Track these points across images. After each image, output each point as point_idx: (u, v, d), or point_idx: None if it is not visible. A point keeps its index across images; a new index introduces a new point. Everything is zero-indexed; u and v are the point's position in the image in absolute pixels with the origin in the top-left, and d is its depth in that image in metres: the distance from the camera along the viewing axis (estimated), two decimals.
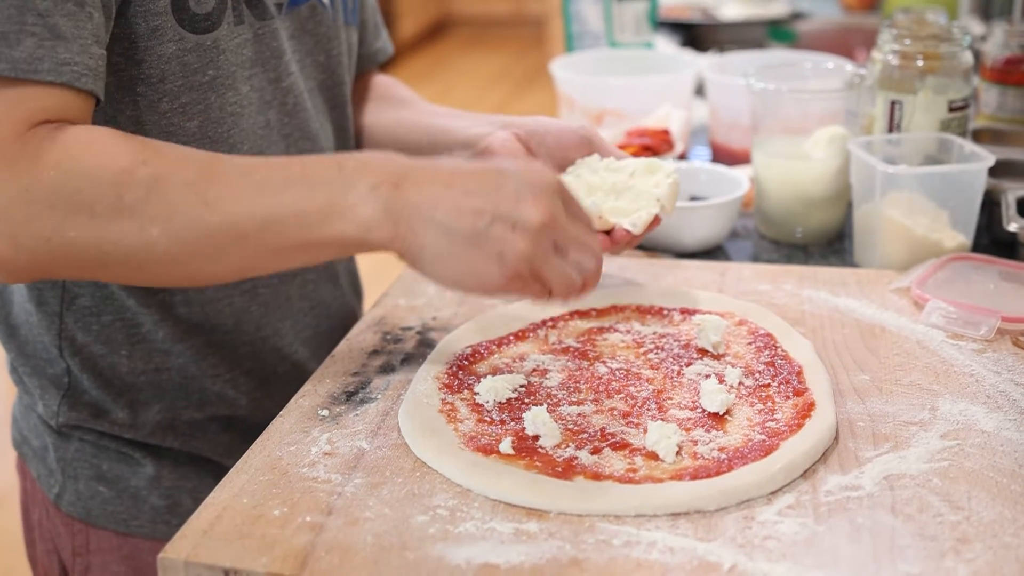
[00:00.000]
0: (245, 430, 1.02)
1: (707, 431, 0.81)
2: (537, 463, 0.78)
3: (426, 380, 0.89)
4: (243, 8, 0.94)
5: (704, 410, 0.84)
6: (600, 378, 0.89)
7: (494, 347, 0.95)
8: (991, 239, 1.22)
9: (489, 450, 0.79)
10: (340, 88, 1.10)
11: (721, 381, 0.87)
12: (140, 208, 0.74)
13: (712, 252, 1.24)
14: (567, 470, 0.77)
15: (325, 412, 0.86)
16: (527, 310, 1.00)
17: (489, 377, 0.88)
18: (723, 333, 0.94)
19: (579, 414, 0.84)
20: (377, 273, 1.68)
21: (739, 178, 1.27)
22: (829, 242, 1.27)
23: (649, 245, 1.24)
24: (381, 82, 1.23)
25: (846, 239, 1.27)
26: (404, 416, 0.84)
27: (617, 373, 0.90)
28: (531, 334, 0.97)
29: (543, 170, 0.80)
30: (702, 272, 1.11)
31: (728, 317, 0.98)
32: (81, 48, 0.77)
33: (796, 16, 2.36)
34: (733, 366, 0.90)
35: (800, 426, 0.80)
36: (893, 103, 1.26)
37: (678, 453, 0.78)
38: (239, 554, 0.70)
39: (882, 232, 1.12)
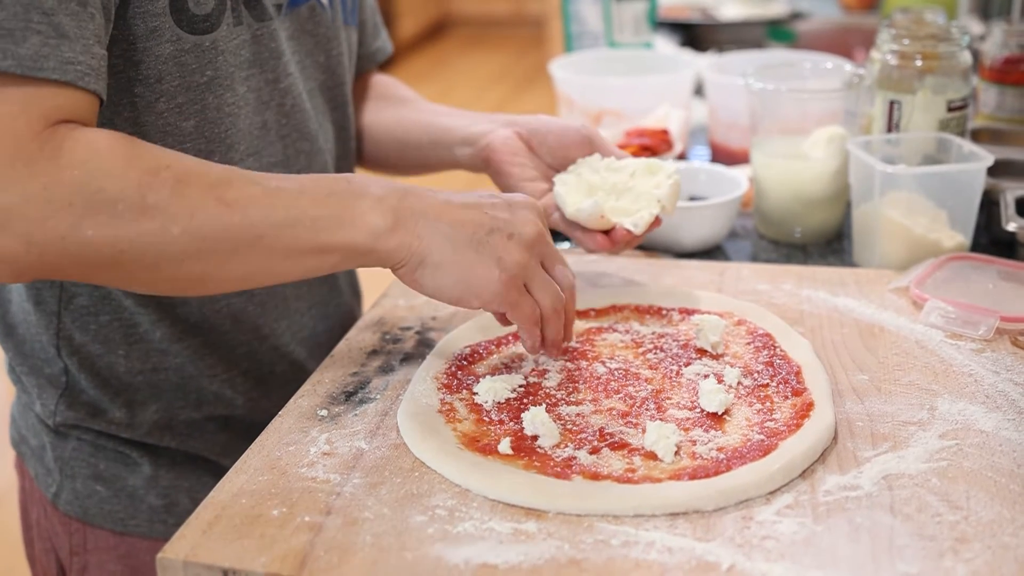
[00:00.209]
0: (242, 430, 1.02)
1: (706, 431, 0.81)
2: (536, 463, 0.78)
3: (425, 380, 0.89)
4: (242, 9, 0.94)
5: (703, 410, 0.84)
6: (599, 378, 0.89)
7: (493, 347, 0.95)
8: (990, 239, 1.22)
9: (488, 450, 0.79)
10: (341, 88, 1.10)
11: (720, 381, 0.87)
12: (163, 207, 0.75)
13: (711, 252, 1.24)
14: (565, 470, 0.77)
15: (324, 412, 0.86)
16: None
17: (488, 377, 0.88)
18: (722, 333, 0.94)
19: (578, 414, 0.84)
20: (376, 273, 1.68)
21: (738, 178, 1.27)
22: (828, 242, 1.27)
23: (648, 245, 1.24)
24: (381, 81, 1.23)
25: (845, 239, 1.27)
26: (403, 416, 0.84)
27: (616, 373, 0.90)
28: None
29: (525, 198, 0.88)
30: (701, 272, 1.11)
31: (727, 317, 0.98)
32: (84, 48, 0.78)
33: (795, 16, 2.36)
34: (732, 366, 0.90)
35: (799, 426, 0.80)
36: (892, 103, 1.26)
37: (677, 453, 0.78)
38: (238, 554, 0.70)
39: (881, 232, 1.12)
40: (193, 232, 0.76)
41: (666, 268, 1.13)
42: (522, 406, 0.85)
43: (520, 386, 0.88)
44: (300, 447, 0.82)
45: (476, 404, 0.86)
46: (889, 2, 2.13)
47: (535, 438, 0.81)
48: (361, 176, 0.83)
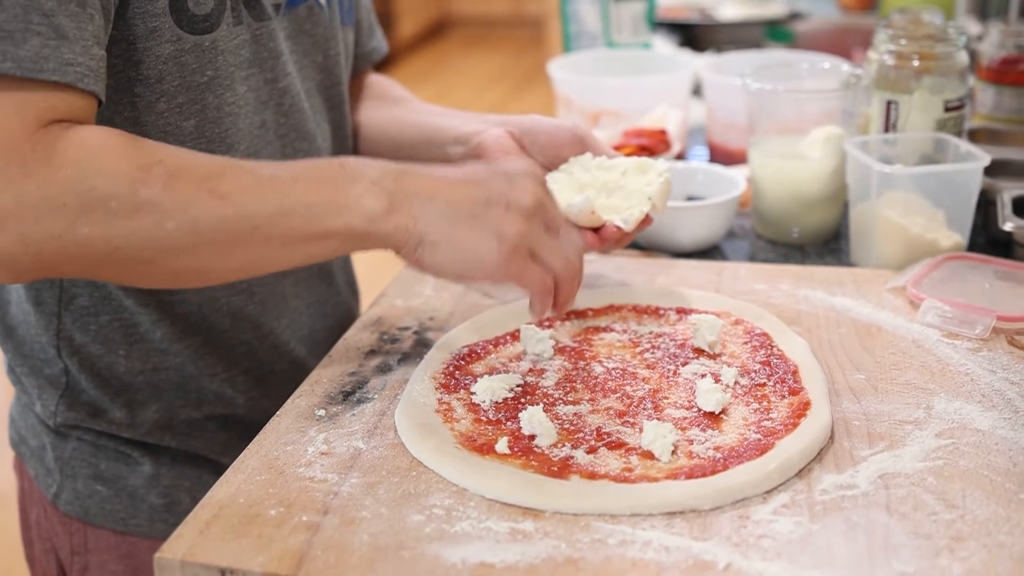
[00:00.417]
0: (243, 429, 1.02)
1: (703, 430, 0.81)
2: (533, 463, 0.78)
3: (423, 380, 0.89)
4: (241, 9, 0.94)
5: (700, 409, 0.84)
6: (596, 378, 0.90)
7: (491, 347, 0.95)
8: (987, 238, 1.23)
9: (485, 450, 0.79)
10: (338, 88, 1.10)
11: (717, 380, 0.88)
12: (157, 203, 0.75)
13: (709, 252, 1.24)
14: (563, 469, 0.77)
15: (322, 412, 0.87)
16: (524, 310, 1.01)
17: (486, 377, 0.89)
18: (719, 333, 0.94)
19: (575, 414, 0.84)
20: (374, 273, 1.68)
21: (736, 178, 1.27)
22: (825, 242, 1.27)
23: (646, 245, 1.24)
24: (376, 81, 1.24)
25: (842, 239, 1.28)
26: (401, 416, 0.84)
27: (613, 373, 0.90)
28: None
29: (526, 163, 0.86)
30: (699, 272, 1.12)
31: (724, 317, 0.99)
32: (83, 49, 0.78)
33: (794, 16, 2.36)
34: (729, 365, 0.90)
35: (795, 425, 0.80)
36: (889, 103, 1.27)
37: (674, 452, 0.78)
38: (235, 554, 0.70)
39: (878, 232, 1.13)
40: (188, 226, 0.76)
41: (664, 268, 1.13)
42: (519, 406, 0.85)
43: (518, 386, 0.88)
44: (298, 447, 0.82)
45: (474, 404, 0.86)
46: (887, 2, 2.14)
47: (532, 438, 0.81)
48: (355, 160, 0.82)
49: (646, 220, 0.97)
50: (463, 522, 0.72)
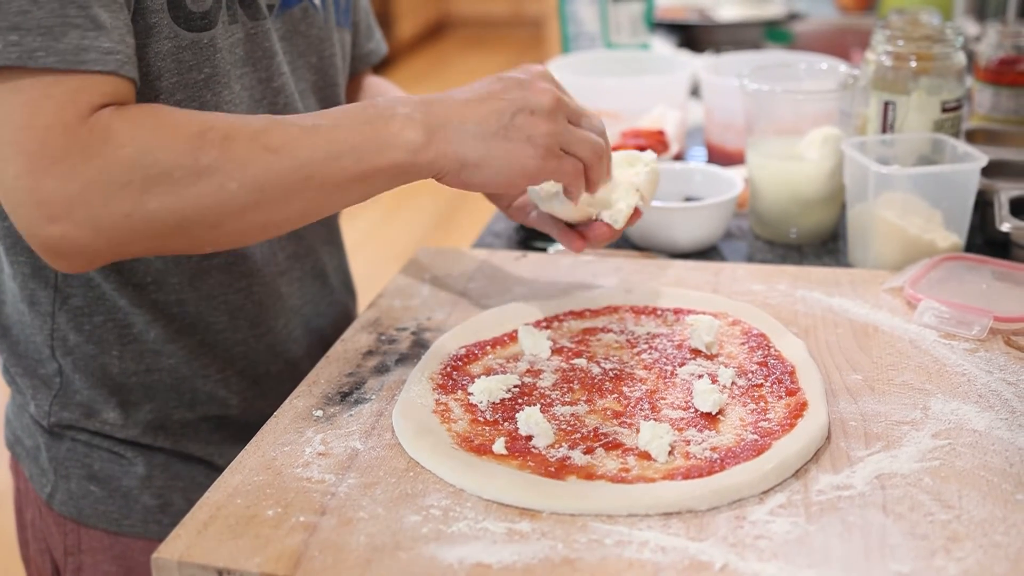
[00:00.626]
0: (237, 430, 1.03)
1: (700, 431, 0.81)
2: (530, 463, 0.78)
3: (420, 381, 0.89)
4: (237, 7, 0.94)
5: (697, 410, 0.84)
6: (593, 378, 0.90)
7: (488, 348, 0.95)
8: (984, 239, 1.23)
9: (482, 450, 0.79)
10: (333, 89, 1.10)
11: (714, 381, 0.88)
12: (217, 166, 0.77)
13: (707, 252, 1.25)
14: (560, 470, 0.77)
15: (319, 412, 0.87)
16: (522, 310, 1.01)
17: (483, 378, 0.89)
18: (716, 333, 0.94)
19: (572, 414, 0.84)
20: (373, 274, 1.68)
21: (733, 179, 1.27)
22: (823, 242, 1.27)
23: (644, 245, 1.24)
24: (374, 83, 1.24)
25: (840, 239, 1.28)
26: (398, 416, 0.84)
27: (610, 373, 0.90)
28: None
29: (531, 65, 0.91)
30: (696, 272, 1.12)
31: (721, 317, 0.99)
32: (120, 37, 0.79)
33: (792, 17, 2.36)
34: (726, 366, 0.90)
35: (792, 426, 0.80)
36: (886, 104, 1.27)
37: (670, 453, 0.78)
38: (233, 554, 0.70)
39: (876, 232, 1.13)
40: (249, 183, 0.78)
41: (661, 268, 1.13)
42: (517, 406, 0.85)
43: (515, 386, 0.89)
44: (295, 447, 0.82)
45: (471, 404, 0.86)
46: (886, 3, 2.14)
47: (529, 438, 0.81)
48: (382, 99, 0.86)
49: (636, 214, 0.97)
50: (460, 522, 0.72)
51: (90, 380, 1.00)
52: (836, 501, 0.73)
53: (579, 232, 0.97)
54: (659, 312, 1.01)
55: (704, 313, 0.99)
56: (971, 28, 2.02)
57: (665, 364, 0.92)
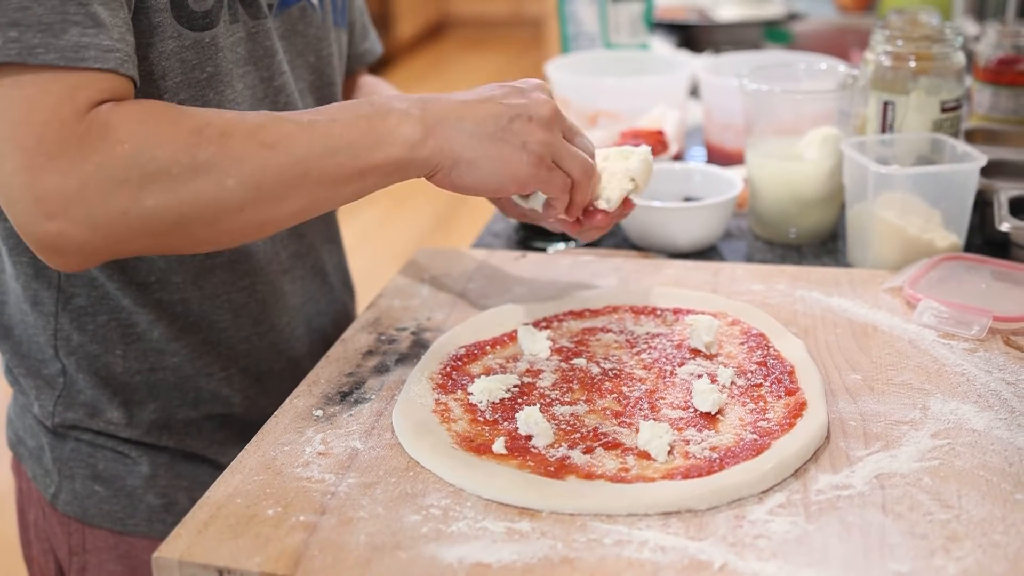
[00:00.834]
0: (240, 428, 1.03)
1: (699, 431, 0.81)
2: (530, 463, 0.78)
3: (420, 380, 0.89)
4: (238, 7, 0.95)
5: (696, 410, 0.84)
6: (593, 378, 0.90)
7: (488, 347, 0.95)
8: (984, 239, 1.23)
9: (482, 450, 0.80)
10: (330, 89, 1.10)
11: (713, 381, 0.88)
12: (215, 162, 0.77)
13: (706, 252, 1.25)
14: (559, 470, 0.77)
15: (319, 412, 0.87)
16: (522, 310, 1.01)
17: (482, 377, 0.89)
18: (716, 333, 0.94)
19: (572, 414, 0.85)
20: (372, 274, 1.68)
21: (733, 179, 1.27)
22: (822, 242, 1.28)
23: (643, 245, 1.25)
24: (369, 82, 1.25)
25: (839, 239, 1.28)
26: (398, 416, 0.84)
27: (610, 373, 0.90)
28: None
29: (531, 79, 0.92)
30: (695, 272, 1.12)
31: (721, 317, 0.99)
32: (119, 35, 0.80)
33: (792, 17, 2.37)
34: (725, 366, 0.90)
35: (791, 425, 0.81)
36: (886, 104, 1.27)
37: (670, 453, 0.78)
38: (233, 553, 0.70)
39: (875, 232, 1.13)
40: (246, 180, 0.78)
41: (661, 268, 1.13)
42: (516, 406, 0.85)
43: (514, 386, 0.89)
44: (295, 447, 0.82)
45: (471, 404, 0.86)
46: (885, 3, 2.14)
47: (529, 438, 0.81)
48: (379, 96, 0.86)
49: (628, 204, 0.97)
50: (460, 522, 0.73)
51: (94, 380, 1.00)
52: (835, 501, 0.73)
53: (575, 220, 0.97)
54: (658, 312, 1.01)
55: (703, 313, 0.99)
56: (970, 28, 2.02)
57: (664, 364, 0.92)
